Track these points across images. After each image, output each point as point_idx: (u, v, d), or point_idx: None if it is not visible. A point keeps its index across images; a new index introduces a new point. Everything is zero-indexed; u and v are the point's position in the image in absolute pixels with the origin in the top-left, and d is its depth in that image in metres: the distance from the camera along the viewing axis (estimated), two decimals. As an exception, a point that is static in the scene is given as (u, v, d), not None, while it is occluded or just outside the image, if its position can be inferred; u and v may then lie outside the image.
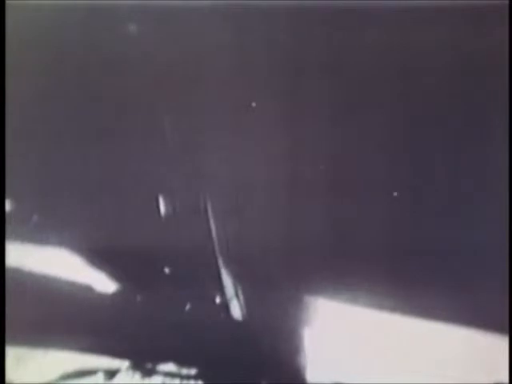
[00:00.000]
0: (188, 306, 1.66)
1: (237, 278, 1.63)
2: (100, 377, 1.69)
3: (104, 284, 1.72)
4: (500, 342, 1.47)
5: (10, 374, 1.60)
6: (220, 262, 1.61)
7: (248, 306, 1.65)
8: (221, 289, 1.64)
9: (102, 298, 1.72)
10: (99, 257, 1.70)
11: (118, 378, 1.70)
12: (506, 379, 1.43)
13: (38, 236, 1.68)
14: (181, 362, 1.70)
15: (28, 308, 1.62)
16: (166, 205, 1.60)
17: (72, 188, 1.64)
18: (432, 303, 1.52)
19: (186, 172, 1.59)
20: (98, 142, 1.60)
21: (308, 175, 1.56)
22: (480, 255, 1.48)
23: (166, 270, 1.66)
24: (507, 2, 1.32)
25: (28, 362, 1.73)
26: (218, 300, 1.64)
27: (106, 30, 1.53)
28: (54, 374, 1.69)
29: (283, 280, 1.63)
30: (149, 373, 1.70)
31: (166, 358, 1.70)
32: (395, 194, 1.50)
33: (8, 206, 1.61)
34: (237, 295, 1.64)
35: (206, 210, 1.58)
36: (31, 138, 1.61)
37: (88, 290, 1.72)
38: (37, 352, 1.75)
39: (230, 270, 1.62)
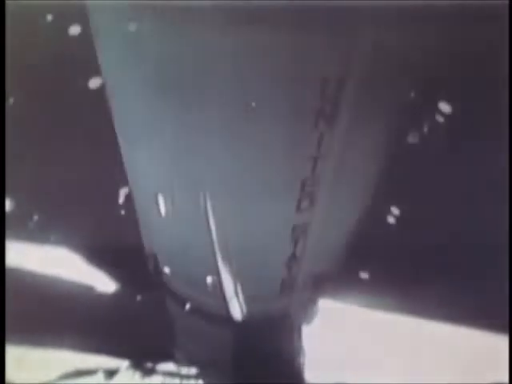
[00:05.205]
0: (188, 306, 1.66)
1: (237, 277, 1.63)
2: (100, 376, 1.69)
3: (104, 283, 1.72)
4: (500, 341, 1.47)
5: (10, 374, 1.60)
6: (220, 261, 1.61)
7: (248, 305, 1.65)
8: (221, 288, 1.64)
9: (102, 297, 1.72)
10: (99, 256, 1.70)
11: (117, 378, 1.70)
12: (506, 379, 1.43)
13: (38, 236, 1.69)
14: (181, 361, 1.70)
15: (28, 308, 1.62)
16: (166, 204, 1.60)
17: (72, 188, 1.64)
18: (432, 303, 1.53)
19: (186, 172, 1.59)
20: (98, 141, 1.60)
21: (308, 175, 1.56)
22: (480, 255, 1.49)
23: (166, 270, 1.66)
24: (507, 2, 1.31)
25: (28, 362, 1.73)
26: (217, 300, 1.64)
27: (106, 30, 1.53)
28: (53, 374, 1.70)
29: (283, 280, 1.63)
30: (148, 372, 1.70)
31: (165, 358, 1.71)
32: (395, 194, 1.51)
33: (8, 205, 1.61)
34: (237, 295, 1.64)
35: (206, 210, 1.58)
36: (31, 138, 1.62)
37: (88, 289, 1.72)
38: (37, 352, 1.75)
39: (230, 269, 1.62)
